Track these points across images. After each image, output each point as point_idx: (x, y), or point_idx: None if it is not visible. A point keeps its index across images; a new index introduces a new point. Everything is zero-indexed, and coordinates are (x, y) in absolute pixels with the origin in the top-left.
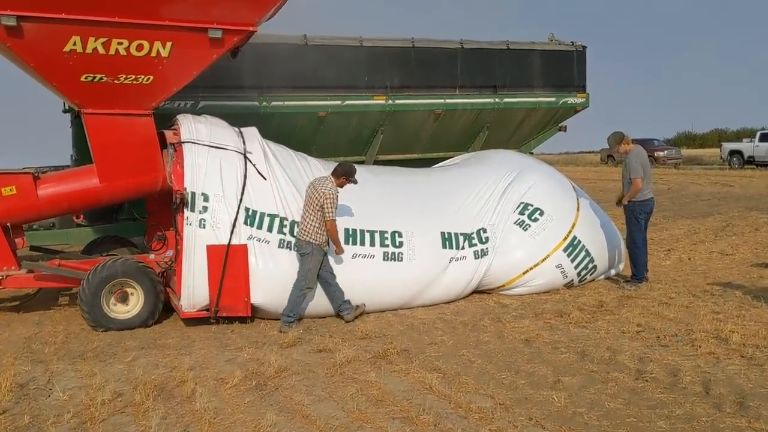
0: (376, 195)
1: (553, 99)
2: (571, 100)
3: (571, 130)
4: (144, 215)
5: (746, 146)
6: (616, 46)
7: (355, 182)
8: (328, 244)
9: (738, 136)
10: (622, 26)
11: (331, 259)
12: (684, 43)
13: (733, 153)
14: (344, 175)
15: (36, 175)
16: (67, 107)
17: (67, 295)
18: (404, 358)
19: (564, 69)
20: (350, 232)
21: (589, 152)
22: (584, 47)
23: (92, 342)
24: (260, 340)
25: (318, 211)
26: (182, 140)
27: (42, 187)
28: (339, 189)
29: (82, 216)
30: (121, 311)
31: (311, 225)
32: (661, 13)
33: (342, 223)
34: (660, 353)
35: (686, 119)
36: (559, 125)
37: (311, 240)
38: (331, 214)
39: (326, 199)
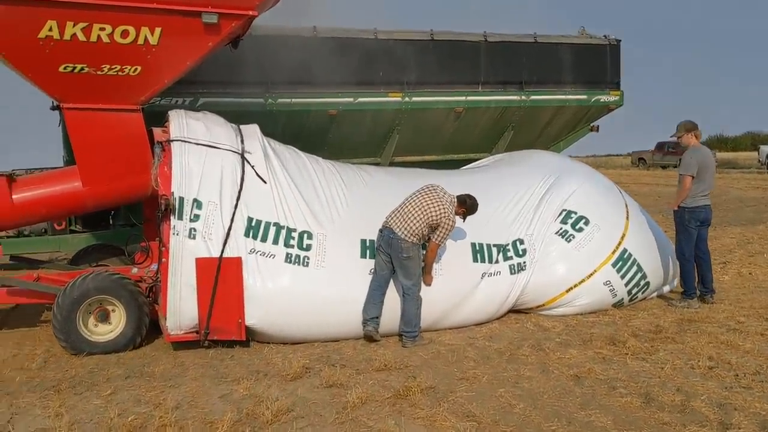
0: (393, 199)
1: (584, 96)
2: (604, 98)
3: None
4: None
5: None
6: (647, 43)
7: (464, 218)
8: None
9: None
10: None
11: (340, 274)
12: (715, 42)
13: None
14: (465, 209)
15: (11, 176)
16: (55, 103)
17: None
18: (430, 399)
19: (596, 64)
20: (366, 244)
21: (617, 155)
22: (618, 41)
23: (72, 368)
24: (262, 370)
25: (428, 221)
26: (171, 138)
27: (18, 191)
28: None
29: (64, 223)
30: (103, 332)
31: (417, 227)
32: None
33: (356, 234)
34: (744, 398)
35: (716, 122)
36: (591, 125)
37: (416, 241)
38: (440, 239)
39: (445, 223)
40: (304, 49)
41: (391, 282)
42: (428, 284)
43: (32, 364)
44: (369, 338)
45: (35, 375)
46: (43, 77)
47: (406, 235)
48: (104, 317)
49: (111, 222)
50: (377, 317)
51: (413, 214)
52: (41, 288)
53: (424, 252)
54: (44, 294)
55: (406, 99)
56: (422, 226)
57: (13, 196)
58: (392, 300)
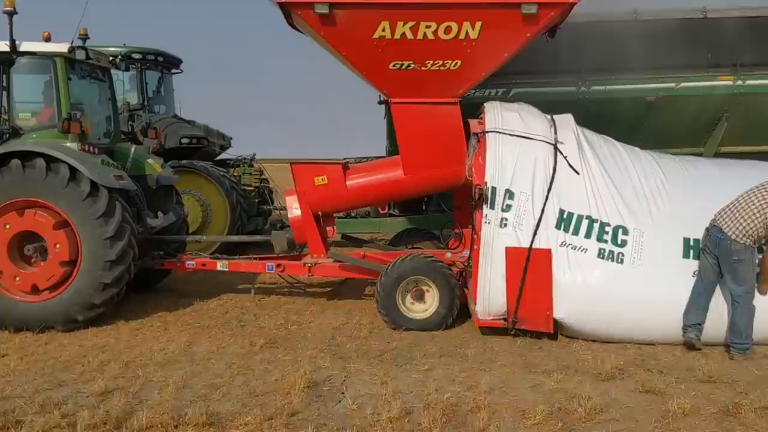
0: (721, 194)
1: None
2: None
3: None
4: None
5: None
6: None
7: None
8: None
9: None
10: None
11: (658, 274)
12: None
13: None
14: None
15: (346, 165)
16: (382, 98)
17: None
18: (765, 421)
19: None
20: (690, 243)
21: None
22: None
23: (393, 341)
24: (572, 365)
25: (766, 221)
26: (486, 130)
27: (351, 178)
28: None
29: (386, 208)
30: (418, 310)
31: (751, 228)
32: None
33: (678, 232)
34: None
35: None
36: None
37: (750, 244)
38: None
39: None
40: (623, 33)
41: (718, 287)
42: (763, 293)
43: (360, 333)
44: (690, 346)
45: (362, 343)
46: (375, 75)
47: (737, 236)
48: (420, 296)
49: (424, 208)
50: (700, 324)
51: (747, 213)
52: (367, 265)
53: (760, 256)
54: (369, 270)
55: (738, 83)
56: (758, 226)
57: (348, 183)
58: (718, 306)
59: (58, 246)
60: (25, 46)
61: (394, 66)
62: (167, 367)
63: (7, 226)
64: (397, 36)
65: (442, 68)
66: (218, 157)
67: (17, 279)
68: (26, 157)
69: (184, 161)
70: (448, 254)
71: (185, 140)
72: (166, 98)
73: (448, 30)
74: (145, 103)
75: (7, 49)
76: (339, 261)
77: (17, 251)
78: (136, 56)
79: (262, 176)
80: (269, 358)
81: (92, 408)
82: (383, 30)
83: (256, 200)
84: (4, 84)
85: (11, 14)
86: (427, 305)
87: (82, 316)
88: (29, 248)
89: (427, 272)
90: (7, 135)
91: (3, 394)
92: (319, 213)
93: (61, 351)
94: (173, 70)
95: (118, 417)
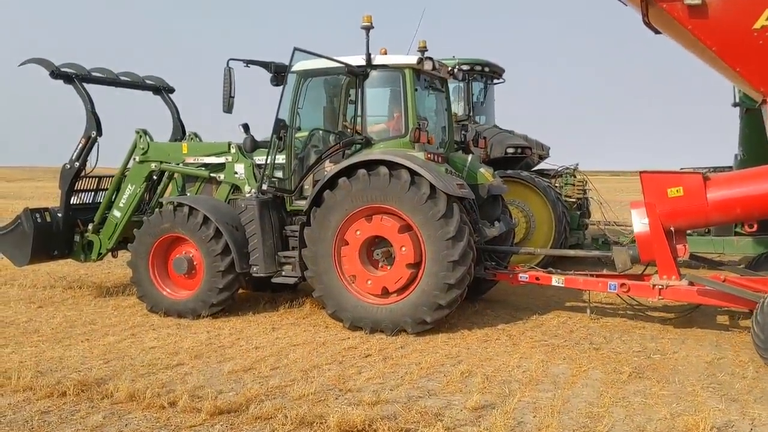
0: None
1: None
2: None
3: None
4: None
5: None
6: None
7: None
8: None
9: None
10: None
11: None
12: None
13: None
14: None
15: (706, 175)
16: (738, 100)
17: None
18: None
19: None
20: None
21: None
22: None
23: None
24: None
25: None
26: None
27: (712, 189)
28: None
29: (755, 225)
30: None
31: None
32: None
33: None
34: None
35: None
36: None
37: None
38: None
39: None
40: None
41: None
42: None
43: (745, 372)
44: None
45: (753, 385)
46: (753, 70)
47: None
48: None
49: None
50: None
51: None
52: (734, 291)
53: None
54: (734, 298)
55: None
56: None
57: (708, 195)
58: None
59: (404, 249)
60: (377, 60)
61: None
62: (531, 387)
63: (358, 233)
64: None
65: None
66: (536, 167)
67: (369, 282)
68: (369, 166)
69: (509, 171)
70: None
71: (511, 150)
72: (487, 108)
73: None
74: (471, 113)
75: (363, 63)
76: (697, 284)
77: (366, 256)
78: (465, 67)
79: (586, 187)
80: (643, 391)
81: (472, 424)
82: (767, 18)
83: (578, 212)
84: (359, 97)
85: (368, 29)
86: None
87: (429, 317)
88: (378, 253)
89: None
90: (360, 145)
91: (380, 397)
92: (672, 228)
93: (418, 357)
94: (496, 81)
95: None
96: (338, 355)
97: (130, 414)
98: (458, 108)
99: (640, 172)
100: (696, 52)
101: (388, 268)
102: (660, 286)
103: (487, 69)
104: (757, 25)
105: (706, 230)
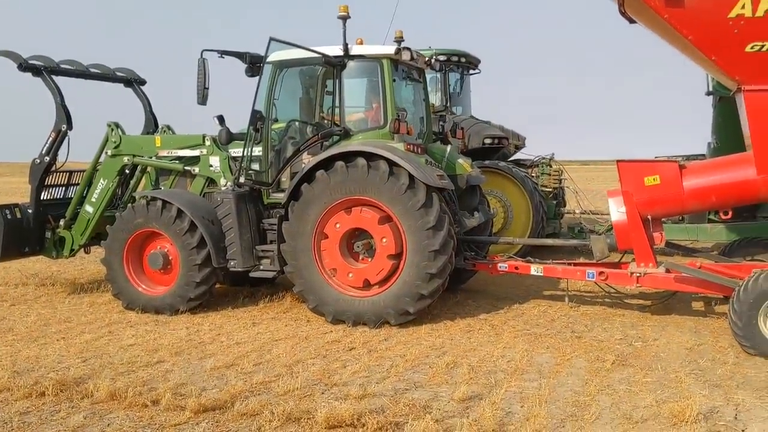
0: None
1: None
2: None
3: None
4: None
5: None
6: None
7: None
8: None
9: None
10: None
11: None
12: None
13: None
14: None
15: (681, 164)
16: (711, 88)
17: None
18: None
19: None
20: None
21: None
22: None
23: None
24: None
25: None
26: None
27: (688, 178)
28: None
29: (730, 212)
30: None
31: None
32: None
33: None
34: None
35: None
36: None
37: None
38: None
39: None
40: None
41: None
42: None
43: (726, 357)
44: None
45: (735, 370)
46: (727, 59)
47: None
48: None
49: (755, 214)
50: None
51: None
52: (711, 278)
53: None
54: (710, 285)
55: None
56: None
57: (684, 183)
58: None
59: (384, 240)
60: (355, 50)
61: (752, 48)
62: (517, 376)
63: (338, 225)
64: (759, 13)
65: None
66: (513, 157)
67: (350, 275)
68: (347, 158)
69: (487, 161)
70: None
71: (488, 140)
72: (463, 99)
73: None
74: (448, 104)
75: (341, 53)
76: (673, 271)
77: (347, 249)
78: (442, 58)
79: (561, 176)
80: (628, 378)
81: (460, 415)
82: (742, 7)
83: (554, 202)
84: (337, 87)
85: (344, 19)
86: None
87: (412, 308)
88: (358, 245)
89: None
90: (339, 137)
91: (366, 390)
92: (648, 217)
93: (402, 349)
94: (472, 71)
95: (494, 429)
96: (322, 349)
97: (111, 413)
98: (435, 98)
99: (617, 161)
100: (671, 41)
101: (369, 260)
102: (638, 274)
103: (463, 60)
104: (732, 14)
105: (680, 218)
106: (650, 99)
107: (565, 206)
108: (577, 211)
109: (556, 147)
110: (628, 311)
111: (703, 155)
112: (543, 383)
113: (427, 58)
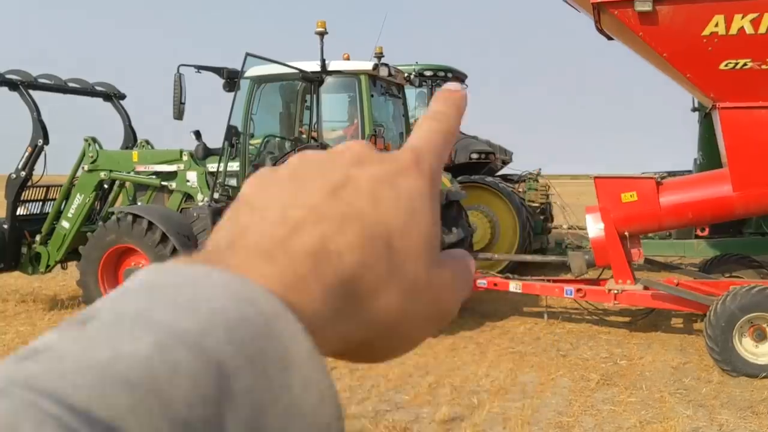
0: None
1: None
2: None
3: None
4: None
5: None
6: None
7: None
8: None
9: None
10: None
11: None
12: None
13: None
14: None
15: (658, 180)
16: (696, 104)
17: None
18: None
19: None
20: None
21: None
22: None
23: (755, 389)
24: None
25: None
26: None
27: (665, 194)
28: None
29: (707, 229)
30: (761, 353)
31: None
32: None
33: None
34: None
35: None
36: None
37: None
38: None
39: None
40: None
41: None
42: None
43: (710, 376)
44: None
45: (719, 389)
46: (702, 76)
47: None
48: (761, 337)
49: (741, 230)
50: None
51: None
52: (687, 295)
53: None
54: (687, 302)
55: None
56: None
57: (661, 200)
58: None
59: None
60: (332, 66)
61: (726, 65)
62: (500, 396)
63: None
64: (732, 31)
65: None
66: (500, 172)
67: None
68: None
69: (474, 176)
70: None
71: (475, 155)
72: None
73: None
74: None
75: (318, 68)
76: (651, 288)
77: None
78: (428, 73)
79: (549, 192)
80: (612, 398)
81: None
82: (716, 25)
83: (541, 217)
84: (315, 103)
85: (322, 35)
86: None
87: None
88: None
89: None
90: None
91: (347, 411)
92: (626, 233)
93: (385, 368)
94: None
95: None
96: None
97: None
98: (421, 114)
99: (594, 177)
100: (648, 57)
101: None
102: (615, 291)
103: (450, 75)
104: (706, 32)
105: (668, 233)
106: (643, 113)
107: (552, 221)
108: (564, 227)
109: (546, 160)
110: (614, 328)
111: (690, 171)
112: (526, 403)
113: (406, 74)
